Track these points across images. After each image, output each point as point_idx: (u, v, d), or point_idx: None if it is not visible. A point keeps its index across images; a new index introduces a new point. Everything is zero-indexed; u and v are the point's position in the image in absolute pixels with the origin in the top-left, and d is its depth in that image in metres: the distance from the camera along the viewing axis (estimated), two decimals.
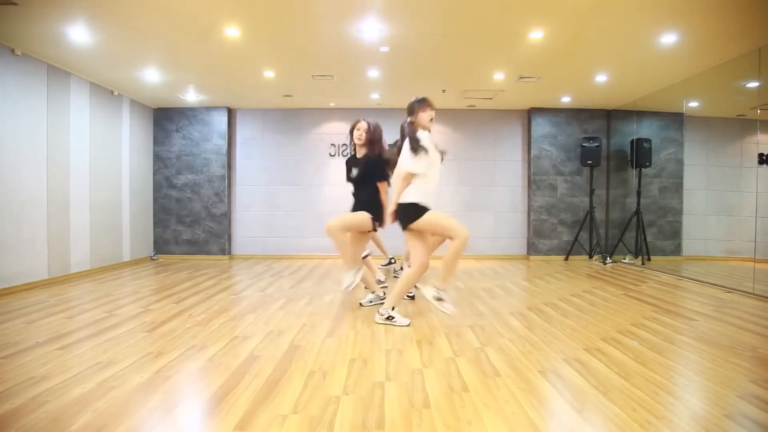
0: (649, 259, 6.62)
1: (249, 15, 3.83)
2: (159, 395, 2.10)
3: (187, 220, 7.28)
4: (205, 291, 4.61)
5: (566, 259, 7.26)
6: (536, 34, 4.21)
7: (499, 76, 5.61)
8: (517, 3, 3.60)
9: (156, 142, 7.27)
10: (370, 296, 4.01)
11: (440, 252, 3.44)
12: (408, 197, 3.21)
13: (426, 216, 3.18)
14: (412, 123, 3.27)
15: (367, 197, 3.70)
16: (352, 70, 5.36)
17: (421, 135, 3.21)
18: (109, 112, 6.16)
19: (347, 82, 5.87)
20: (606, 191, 7.44)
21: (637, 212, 6.65)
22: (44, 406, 1.97)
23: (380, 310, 3.40)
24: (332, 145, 7.44)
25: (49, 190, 5.00)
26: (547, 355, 2.70)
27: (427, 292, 3.26)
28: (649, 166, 6.70)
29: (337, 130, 7.43)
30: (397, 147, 3.44)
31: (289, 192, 7.46)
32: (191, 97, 6.58)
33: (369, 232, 3.82)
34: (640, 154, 6.65)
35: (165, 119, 7.26)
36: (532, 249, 7.36)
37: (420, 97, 3.27)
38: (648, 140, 6.67)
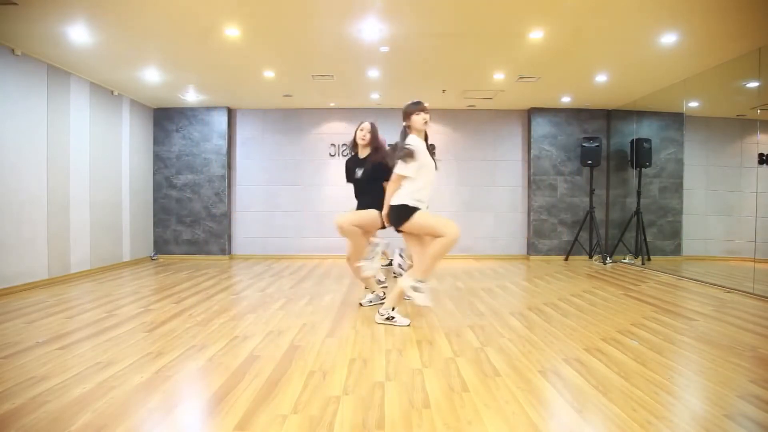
0: (649, 259, 6.62)
1: (249, 15, 3.83)
2: (159, 395, 2.10)
3: (187, 220, 7.28)
4: (205, 291, 4.61)
5: (566, 259, 7.26)
6: (536, 34, 4.21)
7: (499, 76, 5.61)
8: (517, 3, 3.60)
9: (156, 142, 7.27)
10: (370, 296, 4.01)
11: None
12: (398, 199, 3.25)
13: (414, 217, 3.21)
14: (407, 127, 3.29)
15: (373, 199, 3.68)
16: (352, 70, 5.36)
17: (411, 140, 3.25)
18: (109, 112, 6.16)
19: (347, 82, 5.87)
20: (606, 191, 7.44)
21: (637, 212, 6.65)
22: (44, 406, 1.97)
23: (380, 310, 3.41)
24: (332, 145, 7.44)
25: (49, 190, 5.00)
26: (547, 355, 2.70)
27: (405, 280, 3.29)
28: (649, 166, 6.70)
29: (337, 130, 7.43)
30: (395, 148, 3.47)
31: (289, 192, 7.46)
32: (191, 97, 6.58)
33: (369, 232, 3.82)
34: (640, 154, 6.65)
35: (165, 119, 7.26)
36: (532, 249, 7.36)
37: (415, 101, 3.30)
38: (648, 140, 6.67)
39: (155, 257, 7.22)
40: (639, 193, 6.66)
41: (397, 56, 4.86)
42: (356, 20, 3.95)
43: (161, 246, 7.30)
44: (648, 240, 6.68)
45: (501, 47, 4.60)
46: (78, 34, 4.15)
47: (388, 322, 3.34)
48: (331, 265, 6.61)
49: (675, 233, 6.81)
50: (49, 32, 4.11)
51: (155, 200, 7.28)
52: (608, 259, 6.91)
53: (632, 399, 2.06)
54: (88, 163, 5.70)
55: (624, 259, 6.86)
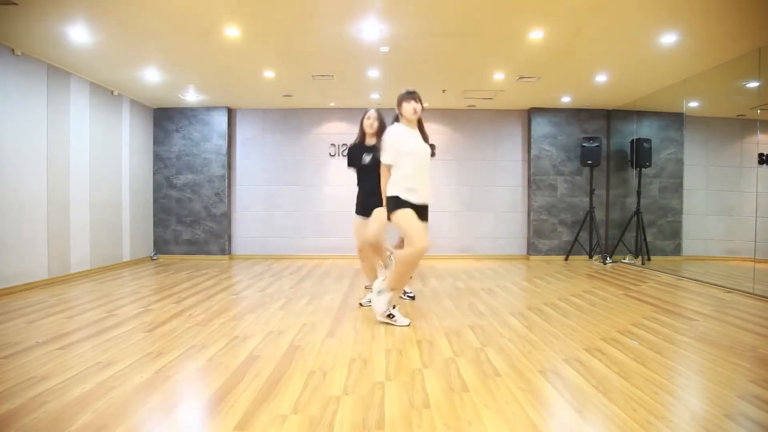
0: (649, 259, 6.62)
1: (249, 15, 3.83)
2: (159, 395, 2.10)
3: (187, 220, 7.28)
4: (205, 291, 4.61)
5: (566, 259, 7.26)
6: (536, 34, 4.21)
7: (499, 76, 5.61)
8: (517, 3, 3.60)
9: (156, 142, 7.27)
10: (370, 296, 4.00)
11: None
12: (390, 189, 3.27)
13: (397, 213, 3.22)
14: (398, 114, 3.32)
15: (375, 186, 3.67)
16: (352, 70, 5.36)
17: (391, 128, 3.29)
18: (109, 112, 6.16)
19: (347, 82, 5.87)
20: (606, 191, 7.44)
21: (637, 212, 6.65)
22: (44, 406, 1.97)
23: (375, 285, 3.39)
24: (332, 145, 7.44)
25: (49, 190, 5.00)
26: (547, 355, 2.70)
27: (377, 282, 3.35)
28: (649, 166, 6.70)
29: (337, 130, 7.43)
30: None
31: (289, 192, 7.46)
32: (191, 97, 6.59)
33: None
34: (640, 154, 6.65)
35: (165, 119, 7.26)
36: (532, 249, 7.36)
37: (409, 89, 3.30)
38: (648, 140, 6.67)
39: (155, 257, 7.22)
40: (639, 193, 6.66)
41: (397, 56, 4.86)
42: (356, 20, 3.95)
43: (161, 246, 7.30)
44: (648, 240, 6.68)
45: (501, 47, 4.60)
46: (78, 34, 4.15)
47: (388, 320, 3.34)
48: (331, 265, 6.61)
49: (675, 233, 6.81)
50: (49, 32, 4.11)
51: (155, 200, 7.28)
52: (608, 259, 6.91)
53: (632, 399, 2.06)
54: (88, 163, 5.70)
55: (624, 259, 6.86)
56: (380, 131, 3.78)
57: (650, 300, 4.25)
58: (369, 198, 3.79)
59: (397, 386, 2.22)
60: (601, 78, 5.60)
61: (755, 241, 4.90)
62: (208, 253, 7.27)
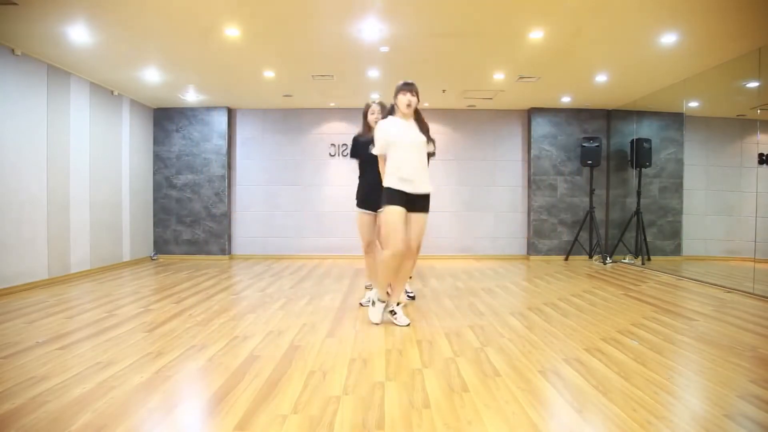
0: (649, 259, 6.62)
1: (249, 15, 3.83)
2: (159, 395, 2.10)
3: (187, 220, 7.28)
4: (205, 291, 4.61)
5: (566, 259, 7.26)
6: (536, 34, 4.21)
7: (499, 76, 5.61)
8: (517, 3, 3.60)
9: (156, 142, 7.27)
10: (370, 295, 4.00)
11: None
12: (385, 180, 3.29)
13: (385, 209, 3.23)
14: (393, 105, 3.34)
15: (378, 179, 3.65)
16: (352, 70, 5.36)
17: (381, 122, 3.34)
18: (109, 112, 6.16)
19: (347, 82, 5.87)
20: (606, 191, 7.44)
21: (637, 212, 6.65)
22: (44, 406, 1.97)
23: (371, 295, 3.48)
24: (332, 145, 7.44)
25: (49, 190, 5.00)
26: (547, 355, 2.70)
27: (372, 293, 3.45)
28: (649, 166, 6.70)
29: (337, 130, 7.43)
30: None
31: (289, 192, 7.46)
32: (191, 97, 6.58)
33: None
34: (640, 154, 6.65)
35: (165, 119, 7.26)
36: (532, 249, 7.36)
37: (407, 81, 3.29)
38: (648, 140, 6.67)
39: (155, 257, 7.22)
40: (639, 193, 6.66)
41: (397, 56, 4.86)
42: (356, 20, 3.95)
43: (161, 246, 7.30)
44: (648, 240, 6.68)
45: (501, 47, 4.60)
46: (78, 34, 4.15)
47: (390, 315, 3.35)
48: (331, 265, 6.61)
49: (675, 233, 6.81)
50: (49, 32, 4.11)
51: (155, 200, 7.28)
52: (608, 259, 6.91)
53: (632, 399, 2.06)
54: (88, 163, 5.70)
55: (624, 259, 6.86)
56: None
57: (650, 300, 4.25)
58: (373, 191, 3.74)
59: (397, 386, 2.22)
60: (601, 78, 5.60)
61: (755, 241, 4.90)
62: (208, 253, 7.27)
